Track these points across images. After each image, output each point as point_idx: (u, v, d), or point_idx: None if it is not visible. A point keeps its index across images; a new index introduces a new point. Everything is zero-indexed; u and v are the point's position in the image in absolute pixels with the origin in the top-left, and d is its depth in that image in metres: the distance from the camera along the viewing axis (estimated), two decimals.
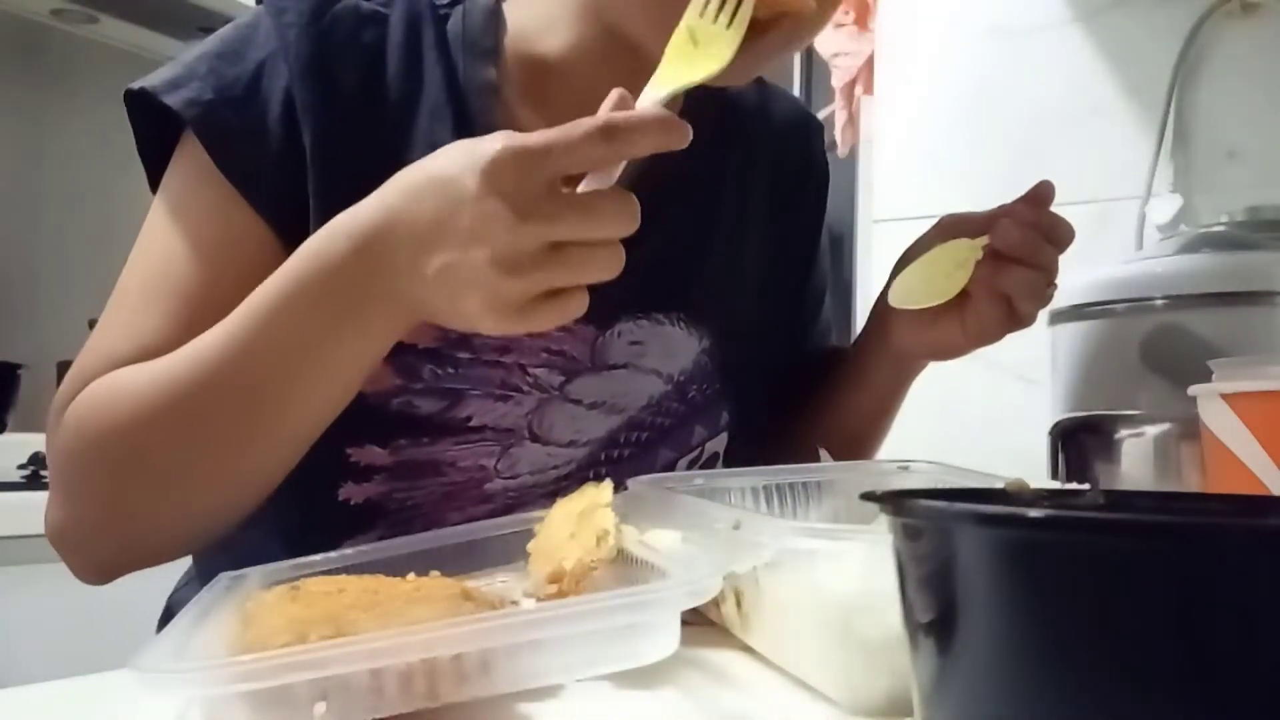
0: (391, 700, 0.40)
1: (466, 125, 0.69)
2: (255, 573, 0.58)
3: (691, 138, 0.51)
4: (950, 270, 0.69)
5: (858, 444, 0.86)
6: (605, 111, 0.51)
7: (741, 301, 0.80)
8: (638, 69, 0.64)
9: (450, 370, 0.69)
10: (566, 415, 0.72)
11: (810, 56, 2.53)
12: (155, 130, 0.68)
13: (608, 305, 0.71)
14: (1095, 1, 1.21)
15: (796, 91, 2.68)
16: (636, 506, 0.56)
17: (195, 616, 0.47)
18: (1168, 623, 0.26)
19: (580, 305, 0.53)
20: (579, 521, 0.54)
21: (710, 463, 0.79)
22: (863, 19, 1.69)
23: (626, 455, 0.75)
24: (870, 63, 1.60)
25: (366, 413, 0.67)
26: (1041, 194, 0.71)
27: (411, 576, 0.53)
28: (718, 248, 0.79)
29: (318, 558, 0.62)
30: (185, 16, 1.95)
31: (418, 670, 0.40)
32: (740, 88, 0.83)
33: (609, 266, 0.52)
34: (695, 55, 0.54)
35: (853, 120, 1.82)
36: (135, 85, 0.67)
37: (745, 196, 0.81)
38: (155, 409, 0.60)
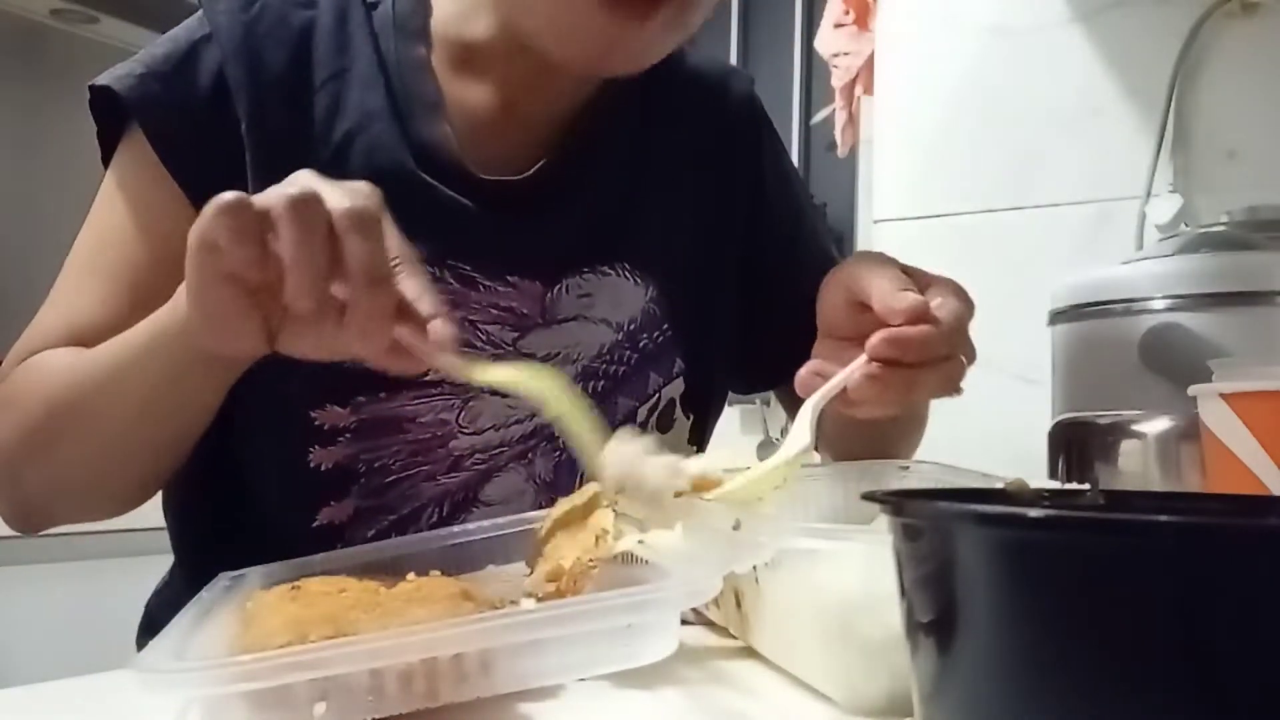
0: (391, 700, 0.40)
1: (399, 95, 0.72)
2: (255, 573, 0.58)
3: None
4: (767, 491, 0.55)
5: (880, 435, 0.82)
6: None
7: (684, 248, 0.81)
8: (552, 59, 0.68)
9: None
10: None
11: (810, 56, 2.54)
12: (114, 126, 0.72)
13: (553, 261, 0.74)
14: (1095, 1, 1.21)
15: (796, 91, 2.68)
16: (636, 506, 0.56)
17: (195, 616, 0.48)
18: (1167, 622, 0.26)
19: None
20: (579, 521, 0.54)
21: (669, 409, 0.81)
22: (863, 19, 1.69)
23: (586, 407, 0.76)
24: (870, 63, 1.60)
25: (323, 371, 0.68)
26: (913, 312, 0.59)
27: (411, 576, 0.53)
28: (652, 199, 0.80)
29: (318, 558, 0.62)
30: (185, 17, 1.95)
31: (418, 670, 0.40)
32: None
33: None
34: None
35: (853, 120, 1.82)
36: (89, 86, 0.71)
37: (673, 149, 0.83)
38: (50, 405, 0.65)
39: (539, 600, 0.52)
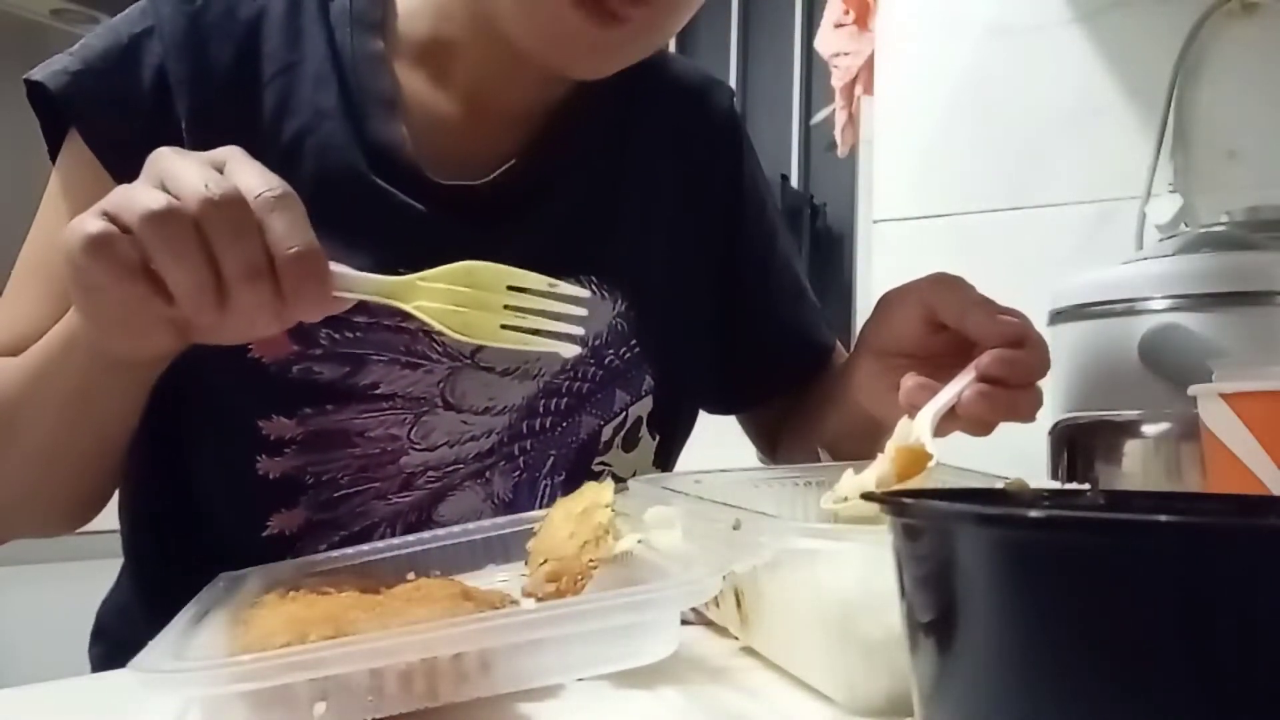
0: (391, 700, 0.40)
1: (353, 92, 0.69)
2: (254, 573, 0.58)
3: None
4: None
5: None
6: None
7: (655, 263, 0.79)
8: (522, 52, 0.66)
9: (348, 334, 0.68)
10: (479, 382, 0.71)
11: (810, 56, 2.54)
12: (58, 123, 0.69)
13: None
14: (1095, 1, 1.21)
15: (796, 91, 2.68)
16: (637, 506, 0.56)
17: (194, 617, 0.47)
18: (1167, 622, 0.26)
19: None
20: (579, 521, 0.54)
21: (635, 428, 0.78)
22: (863, 19, 1.69)
23: (548, 424, 0.75)
24: (870, 63, 1.60)
25: (269, 382, 0.67)
26: (1015, 335, 0.63)
27: (411, 576, 0.54)
28: (625, 210, 0.78)
29: (319, 557, 0.62)
30: None
31: (418, 670, 0.40)
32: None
33: None
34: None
35: (853, 120, 1.82)
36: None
37: (649, 159, 0.80)
38: None
39: (539, 600, 0.52)
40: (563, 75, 0.71)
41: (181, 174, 0.47)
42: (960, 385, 0.61)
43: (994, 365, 0.61)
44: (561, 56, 0.66)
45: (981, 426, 0.63)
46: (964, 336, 0.64)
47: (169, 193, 0.47)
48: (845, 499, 0.53)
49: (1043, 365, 0.63)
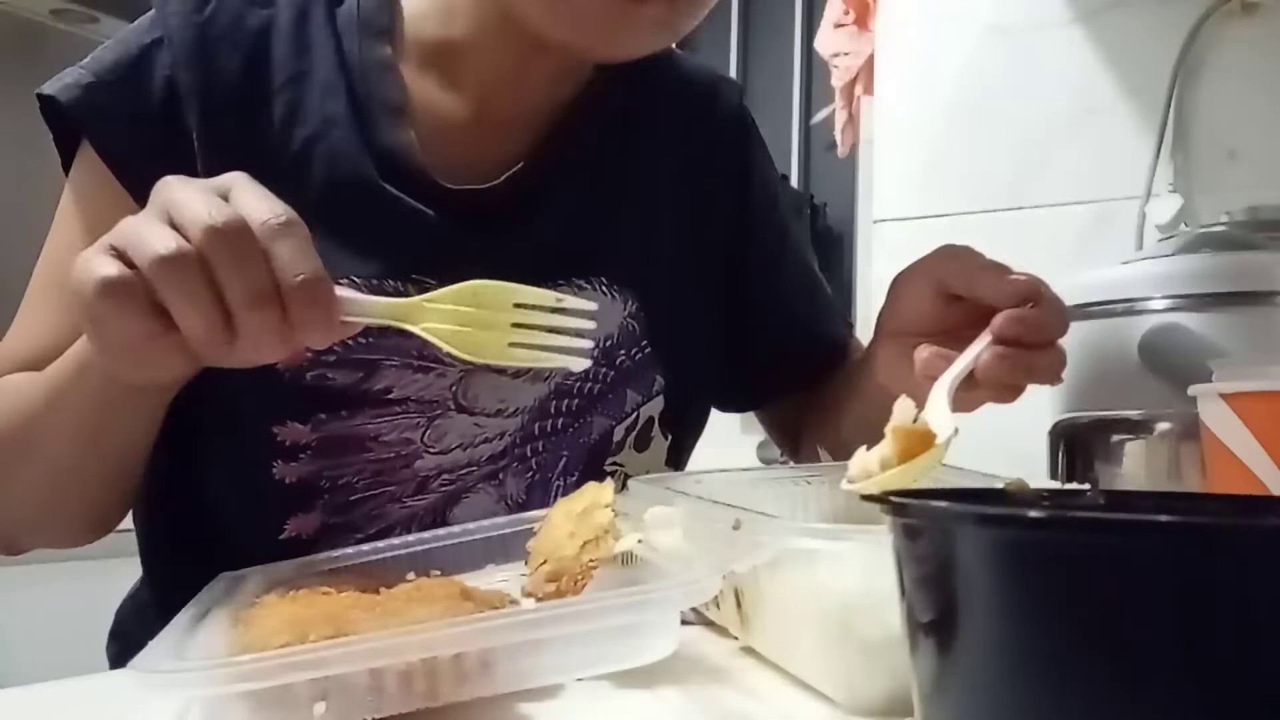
0: (391, 700, 0.40)
1: (361, 99, 0.69)
2: (254, 573, 0.58)
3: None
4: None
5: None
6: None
7: (665, 263, 0.79)
8: (537, 50, 0.67)
9: (361, 340, 0.68)
10: (491, 385, 0.72)
11: (810, 56, 2.54)
12: (70, 136, 0.69)
13: (524, 275, 0.71)
14: (1095, 1, 1.21)
15: (796, 91, 2.68)
16: (637, 506, 0.56)
17: (194, 617, 0.48)
18: (1167, 623, 0.26)
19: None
20: (579, 521, 0.54)
21: (646, 427, 0.78)
22: (863, 19, 1.70)
23: (560, 425, 0.75)
24: (870, 63, 1.60)
25: (283, 388, 0.67)
26: (1026, 293, 0.61)
27: (411, 576, 0.54)
28: (633, 210, 0.78)
29: (319, 557, 0.62)
30: None
31: (418, 670, 0.40)
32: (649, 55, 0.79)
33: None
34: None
35: (853, 120, 1.82)
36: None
37: (657, 159, 0.80)
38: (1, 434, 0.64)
39: (539, 600, 0.52)
40: (584, 58, 0.71)
41: (186, 204, 0.47)
42: (976, 350, 0.60)
43: (1007, 325, 0.60)
44: (586, 35, 0.65)
45: (1004, 391, 0.61)
46: (979, 305, 0.63)
47: (174, 225, 0.47)
48: (853, 480, 0.53)
49: (1059, 322, 0.62)
